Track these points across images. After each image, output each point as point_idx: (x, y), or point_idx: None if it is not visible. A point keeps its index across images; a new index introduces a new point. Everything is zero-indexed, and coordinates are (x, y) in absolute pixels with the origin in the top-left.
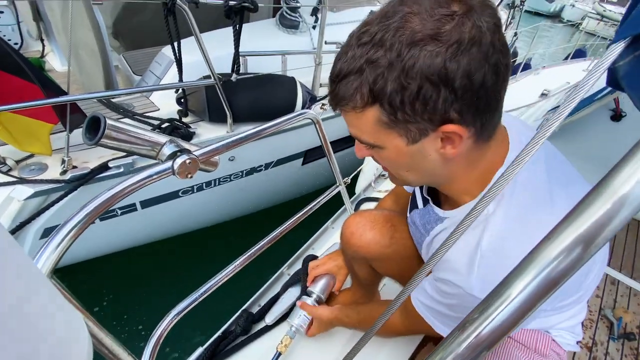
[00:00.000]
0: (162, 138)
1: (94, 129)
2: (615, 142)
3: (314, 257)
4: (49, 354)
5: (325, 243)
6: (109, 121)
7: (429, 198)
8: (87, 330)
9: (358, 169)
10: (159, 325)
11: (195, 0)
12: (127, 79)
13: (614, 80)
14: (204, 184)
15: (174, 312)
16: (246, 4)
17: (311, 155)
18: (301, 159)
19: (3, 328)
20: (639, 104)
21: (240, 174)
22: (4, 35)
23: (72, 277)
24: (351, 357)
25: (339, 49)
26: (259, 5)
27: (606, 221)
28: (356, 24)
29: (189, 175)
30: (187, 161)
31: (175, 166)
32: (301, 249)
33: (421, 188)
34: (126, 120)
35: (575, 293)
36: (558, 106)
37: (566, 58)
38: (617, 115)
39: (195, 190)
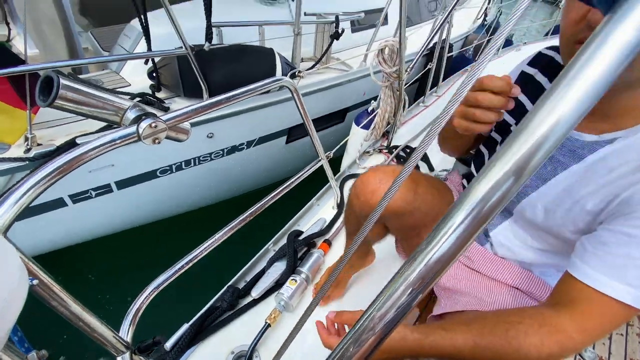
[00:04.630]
0: (125, 102)
1: (49, 90)
2: None
3: (299, 233)
4: None
5: (311, 219)
6: (63, 80)
7: None
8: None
9: (342, 142)
10: (137, 299)
11: None
12: None
13: None
14: (183, 163)
15: (152, 286)
16: None
17: (295, 133)
18: (285, 137)
19: None
20: None
21: (221, 152)
22: None
23: (54, 262)
24: None
25: (319, 20)
26: None
27: (531, 155)
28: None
29: (157, 141)
30: (153, 124)
31: (140, 130)
32: (286, 226)
33: None
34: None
35: None
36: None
37: (547, 34)
38: None
39: (174, 170)
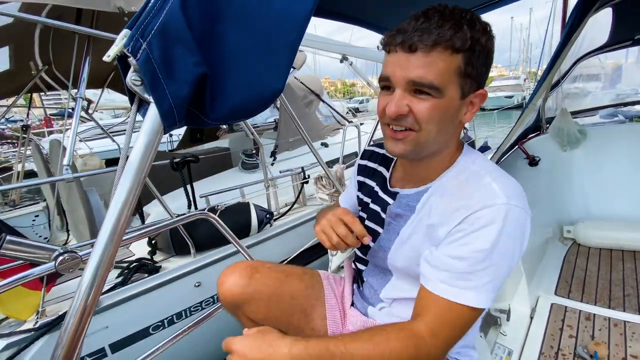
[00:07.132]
0: (59, 248)
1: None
2: (533, 185)
3: None
4: None
5: None
6: (9, 237)
7: (396, 190)
8: None
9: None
10: None
11: None
12: None
13: None
14: (174, 316)
15: None
16: (189, 158)
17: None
18: None
19: None
20: None
21: (212, 299)
22: (36, 234)
23: None
24: None
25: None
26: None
27: None
28: (306, 156)
29: (70, 270)
30: (67, 257)
31: (57, 263)
32: None
33: (384, 189)
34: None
35: None
36: None
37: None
38: (532, 162)
39: (166, 325)
